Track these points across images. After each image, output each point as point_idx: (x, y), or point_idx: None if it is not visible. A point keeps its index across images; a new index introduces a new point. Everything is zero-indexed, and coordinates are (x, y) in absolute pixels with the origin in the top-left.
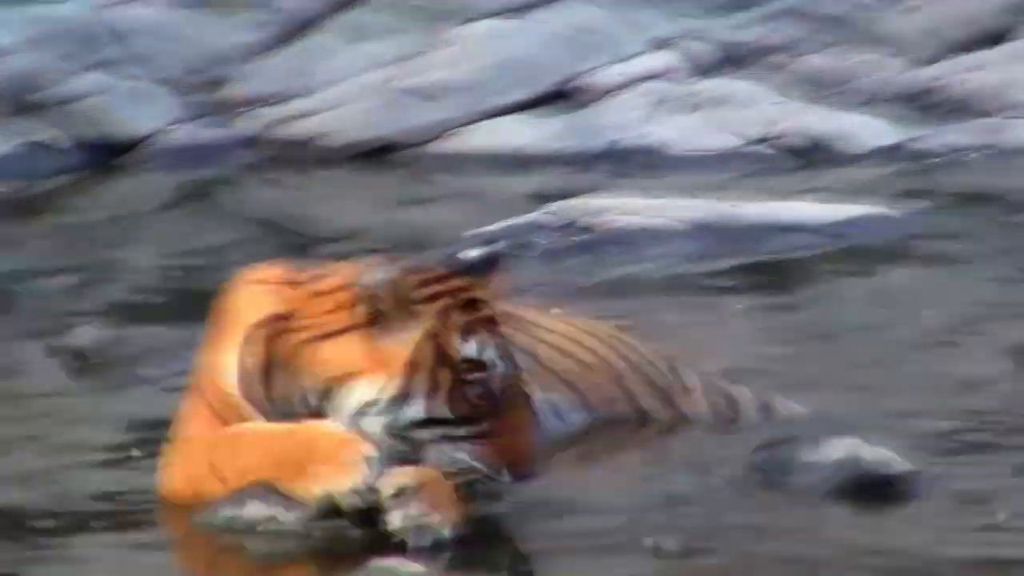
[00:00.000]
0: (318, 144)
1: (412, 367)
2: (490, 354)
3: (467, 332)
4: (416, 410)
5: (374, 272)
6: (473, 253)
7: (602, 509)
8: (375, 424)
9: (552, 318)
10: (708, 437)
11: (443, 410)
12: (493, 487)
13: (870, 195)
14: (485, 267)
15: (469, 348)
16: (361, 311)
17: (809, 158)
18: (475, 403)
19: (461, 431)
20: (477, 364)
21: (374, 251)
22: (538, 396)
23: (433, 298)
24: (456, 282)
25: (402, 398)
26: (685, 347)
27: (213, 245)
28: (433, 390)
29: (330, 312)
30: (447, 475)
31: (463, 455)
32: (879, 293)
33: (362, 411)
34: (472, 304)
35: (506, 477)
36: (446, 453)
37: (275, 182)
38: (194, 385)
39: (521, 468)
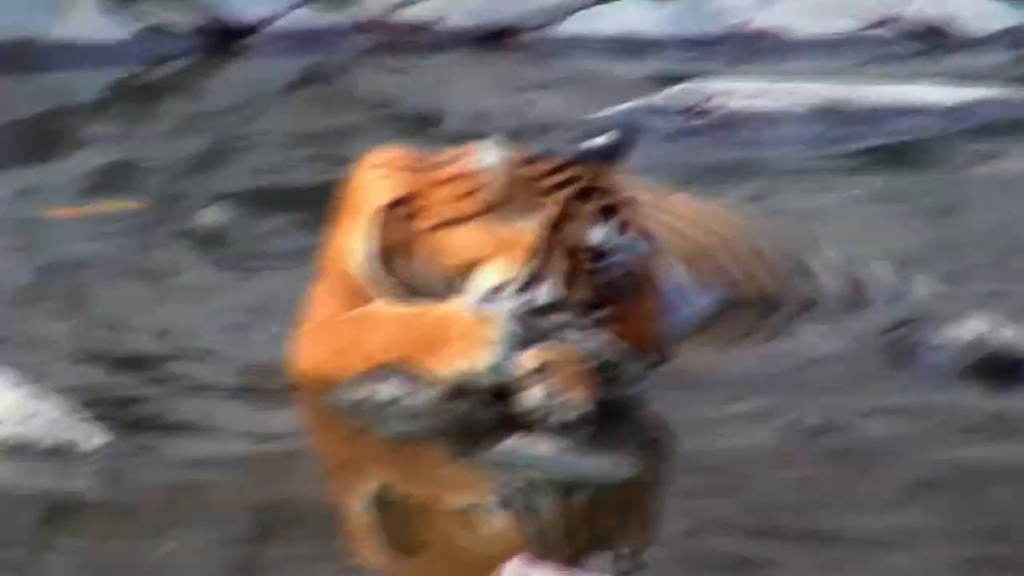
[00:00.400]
0: (435, 28)
1: (539, 253)
2: (617, 241)
3: (593, 220)
4: (545, 295)
5: (489, 157)
6: (597, 140)
7: (739, 388)
8: (508, 306)
9: (675, 202)
10: (836, 319)
11: (572, 296)
12: (632, 370)
13: (990, 79)
14: (609, 153)
15: (596, 236)
16: (482, 198)
17: (928, 42)
18: (603, 290)
19: (597, 315)
20: (604, 252)
21: (490, 136)
22: (676, 271)
23: (558, 187)
24: (581, 170)
25: (530, 283)
26: (809, 230)
27: (333, 130)
28: (568, 274)
29: (453, 200)
30: (586, 358)
31: (593, 342)
32: (1002, 175)
33: (495, 293)
34: (598, 191)
35: (637, 364)
36: (583, 336)
37: (393, 67)
38: (327, 266)
39: (651, 354)
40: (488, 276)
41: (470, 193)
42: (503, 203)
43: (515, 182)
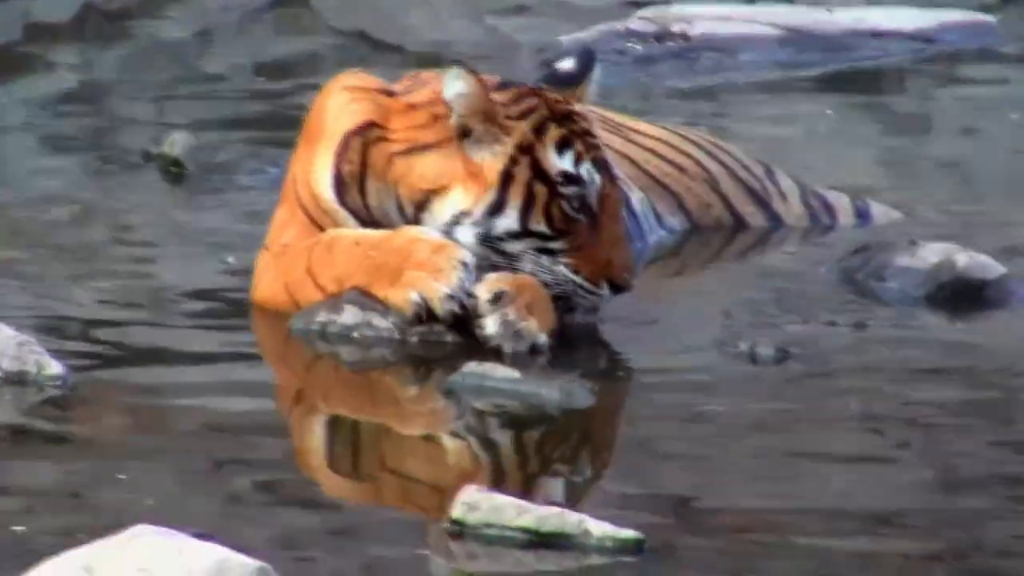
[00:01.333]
0: None
1: (506, 179)
2: (586, 168)
3: (562, 146)
4: (510, 221)
5: (454, 86)
6: (566, 64)
7: (697, 315)
8: (468, 234)
9: (637, 129)
10: (804, 242)
11: (539, 223)
12: (591, 299)
13: (965, 2)
14: (579, 76)
15: (565, 161)
16: (451, 124)
17: None
18: (571, 217)
19: (557, 244)
20: (573, 178)
21: (455, 64)
22: (636, 199)
23: (526, 112)
24: (551, 96)
25: (496, 209)
26: (771, 156)
27: (303, 53)
28: (528, 203)
29: (423, 125)
30: (544, 286)
31: (561, 268)
32: (965, 100)
33: (456, 220)
34: (568, 117)
35: (604, 289)
36: (543, 265)
37: None
38: (289, 192)
39: (619, 280)
40: (455, 201)
41: (435, 120)
42: (467, 132)
43: (479, 111)
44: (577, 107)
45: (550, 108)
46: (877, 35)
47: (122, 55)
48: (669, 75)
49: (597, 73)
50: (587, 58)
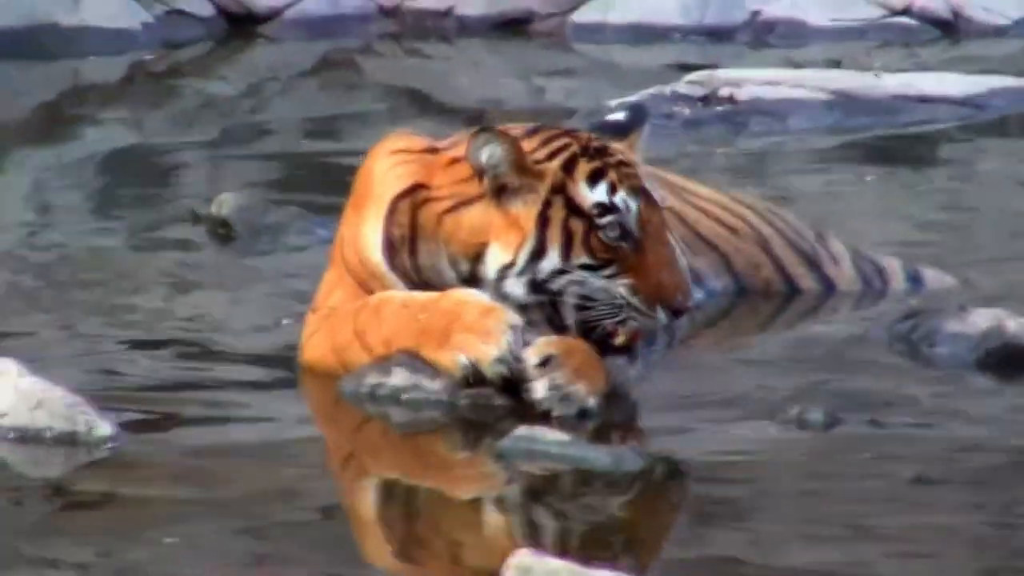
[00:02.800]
0: (458, 13)
1: (542, 221)
2: (621, 196)
3: (594, 178)
4: (552, 262)
5: (485, 150)
6: (610, 118)
7: (747, 378)
8: (517, 286)
9: (688, 191)
10: (855, 306)
11: (580, 256)
12: (647, 324)
13: (1013, 67)
14: (629, 126)
15: (598, 193)
16: (488, 187)
17: (951, 29)
18: (612, 245)
19: (604, 274)
20: (608, 207)
21: (483, 121)
22: (687, 260)
23: (556, 152)
24: (584, 135)
25: (538, 255)
26: (822, 220)
27: (354, 113)
28: (568, 240)
29: (467, 179)
30: (598, 328)
31: (618, 288)
32: (1014, 165)
33: (502, 275)
34: (601, 152)
35: (660, 314)
36: (598, 286)
37: (415, 52)
38: (337, 255)
39: (672, 302)
40: (497, 255)
41: (473, 176)
42: (503, 187)
43: (512, 168)
44: (620, 148)
45: (581, 145)
46: (925, 100)
47: (170, 115)
48: (717, 139)
49: (647, 128)
50: (639, 111)
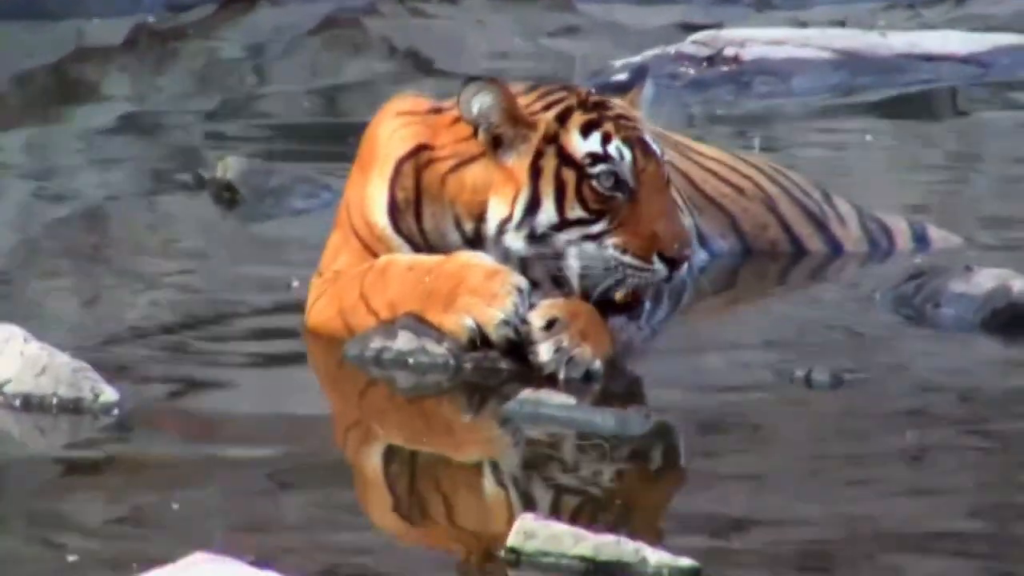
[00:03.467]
0: None
1: (535, 172)
2: (615, 146)
3: (588, 128)
4: (548, 214)
5: (478, 99)
6: (618, 77)
7: (753, 339)
8: (516, 240)
9: (693, 151)
10: (861, 267)
11: (575, 209)
12: (646, 277)
13: (1018, 25)
14: (630, 84)
15: (591, 143)
16: (483, 139)
17: None
18: (606, 195)
19: (599, 227)
20: (600, 157)
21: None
22: (693, 219)
23: (551, 104)
24: (583, 90)
25: (533, 206)
26: (826, 180)
27: (358, 74)
28: (560, 191)
29: (468, 137)
30: (602, 284)
31: (609, 251)
32: (1019, 123)
33: (501, 230)
34: (599, 105)
35: (657, 264)
36: (590, 254)
37: (419, 11)
38: (343, 218)
39: (669, 252)
40: (496, 211)
41: (473, 133)
42: (499, 140)
43: (507, 118)
44: (618, 102)
45: (579, 99)
46: (930, 59)
47: (174, 76)
48: (721, 99)
49: (649, 87)
50: (640, 71)
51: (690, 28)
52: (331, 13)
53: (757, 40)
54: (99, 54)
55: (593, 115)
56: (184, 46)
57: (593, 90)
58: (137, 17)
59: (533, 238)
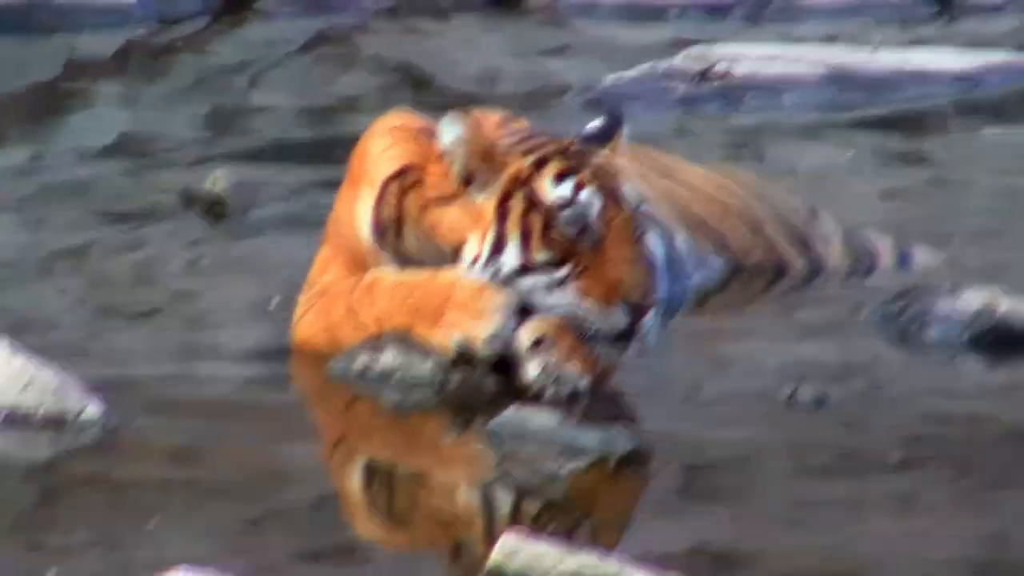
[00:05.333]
0: None
1: (502, 214)
2: (587, 193)
3: (562, 176)
4: (512, 256)
5: (452, 130)
6: (588, 127)
7: (736, 360)
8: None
9: (680, 169)
10: (845, 286)
11: (539, 252)
12: (608, 324)
13: (1008, 44)
14: (607, 133)
15: (562, 189)
16: (455, 172)
17: (948, 5)
18: (571, 240)
19: (562, 271)
20: (569, 202)
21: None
22: (679, 239)
23: (530, 149)
24: (564, 140)
25: (498, 246)
26: (814, 198)
27: (349, 90)
28: (526, 234)
29: (442, 176)
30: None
31: (570, 296)
32: (1007, 143)
33: (471, 267)
34: (579, 155)
35: (619, 312)
36: (554, 298)
37: (411, 28)
38: (331, 232)
39: (632, 298)
40: (467, 250)
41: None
42: (470, 178)
43: (478, 152)
44: (602, 153)
45: (559, 147)
46: (920, 76)
47: (165, 90)
48: (712, 115)
49: (626, 131)
50: (615, 117)
51: (681, 44)
52: (323, 29)
53: (748, 56)
54: (90, 67)
55: (571, 163)
56: (175, 60)
57: (576, 141)
58: (129, 30)
59: (497, 282)
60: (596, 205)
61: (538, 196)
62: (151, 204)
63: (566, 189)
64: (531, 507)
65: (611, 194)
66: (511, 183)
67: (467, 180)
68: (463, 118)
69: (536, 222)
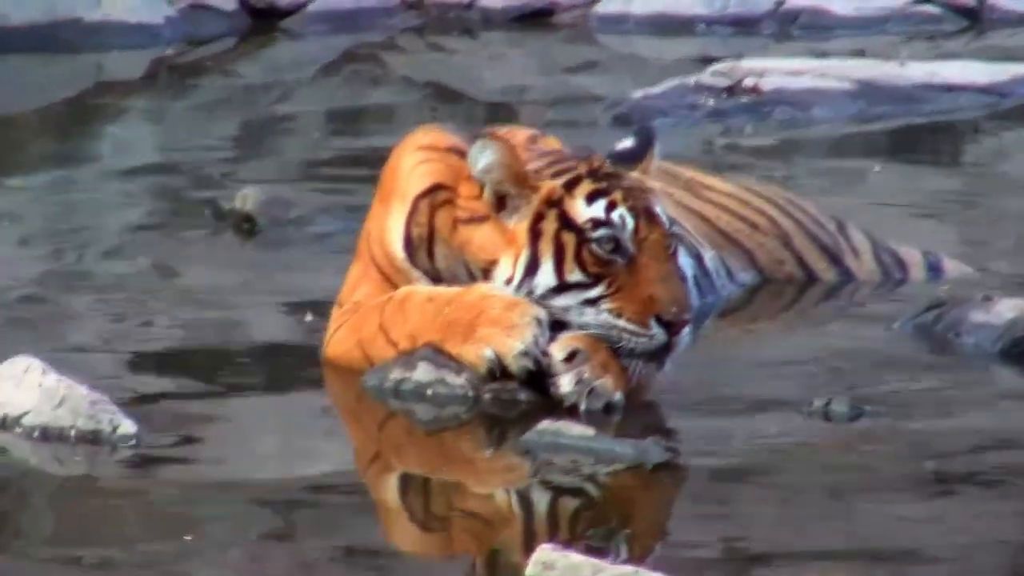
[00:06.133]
0: (481, 6)
1: (535, 235)
2: (620, 212)
3: (594, 196)
4: (547, 277)
5: (484, 156)
6: (626, 142)
7: (770, 371)
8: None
9: (708, 185)
10: (877, 298)
11: (573, 272)
12: (642, 342)
13: None
14: (640, 152)
15: (595, 209)
16: (487, 198)
17: (976, 18)
18: (605, 259)
19: (596, 291)
20: (602, 222)
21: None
22: (707, 256)
23: (561, 172)
24: (594, 160)
25: (532, 268)
26: (843, 211)
27: (377, 108)
28: (560, 254)
29: (478, 196)
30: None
31: (604, 316)
32: None
33: (503, 289)
34: (612, 176)
35: (653, 329)
36: (589, 317)
37: (438, 45)
38: (363, 249)
39: (666, 315)
40: (498, 276)
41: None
42: (503, 201)
43: (511, 176)
44: (633, 175)
45: (590, 167)
46: (949, 89)
47: (193, 109)
48: (741, 130)
49: (658, 149)
50: (647, 135)
51: (709, 59)
52: (350, 47)
53: (776, 70)
54: (118, 87)
55: (602, 184)
56: (203, 79)
57: (607, 162)
58: (156, 50)
59: (534, 299)
60: (629, 224)
61: (571, 216)
62: (181, 222)
63: (599, 209)
64: (566, 519)
65: (643, 213)
66: (543, 205)
67: (499, 205)
68: (493, 143)
69: (569, 242)
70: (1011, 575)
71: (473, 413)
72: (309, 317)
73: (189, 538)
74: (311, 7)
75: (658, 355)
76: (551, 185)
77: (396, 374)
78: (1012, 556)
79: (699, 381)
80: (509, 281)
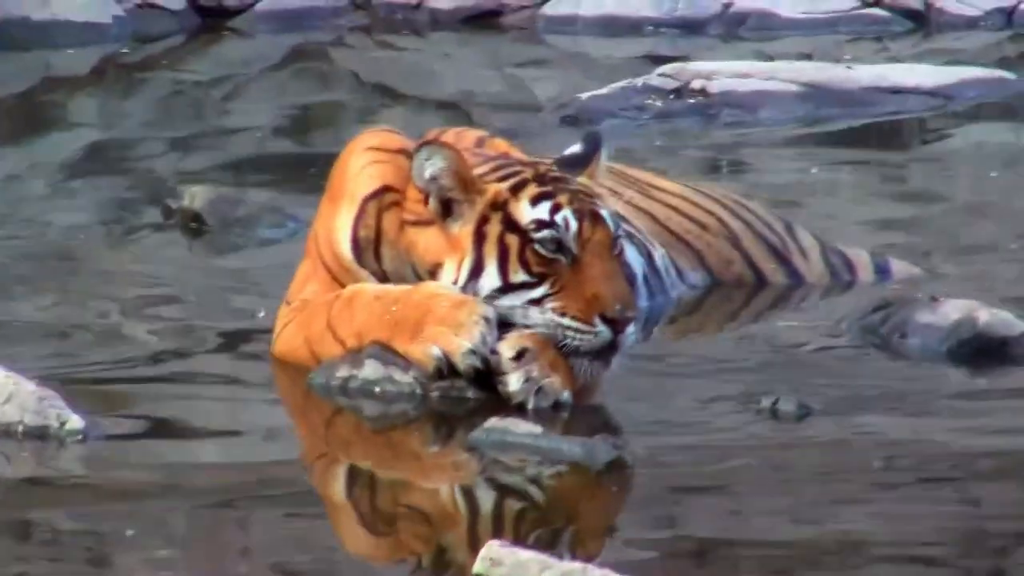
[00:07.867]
0: (429, 6)
1: (479, 238)
2: (563, 214)
3: (539, 199)
4: (491, 279)
5: (432, 163)
6: (568, 151)
7: (718, 370)
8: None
9: (657, 186)
10: (824, 299)
11: (517, 273)
12: (588, 340)
13: (985, 58)
14: (586, 157)
15: (538, 211)
16: (433, 207)
17: (923, 21)
18: (548, 258)
19: (541, 290)
20: (546, 223)
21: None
22: (657, 255)
23: (507, 176)
24: (541, 165)
25: (477, 270)
26: (791, 212)
27: (325, 106)
28: (503, 256)
29: (423, 200)
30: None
31: (548, 315)
32: (983, 156)
33: None
34: (558, 180)
35: (598, 327)
36: (534, 316)
37: (386, 44)
38: (311, 248)
39: (610, 312)
40: (444, 276)
41: (425, 200)
42: (448, 208)
43: (458, 182)
44: (580, 180)
45: (536, 172)
46: (896, 91)
47: (141, 107)
48: (688, 131)
49: (605, 154)
50: (594, 140)
51: (657, 60)
52: (298, 45)
53: (724, 72)
54: (66, 84)
55: (548, 188)
56: (152, 77)
57: (553, 167)
58: (105, 48)
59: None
60: (573, 226)
61: (515, 218)
62: (129, 219)
63: (543, 211)
64: (513, 516)
65: (588, 215)
66: (488, 208)
67: (445, 211)
68: (439, 151)
69: (513, 243)
70: (955, 568)
71: (421, 410)
72: (261, 313)
73: (131, 533)
74: (259, 6)
75: (604, 353)
76: (496, 188)
77: (343, 372)
78: (956, 549)
79: (647, 380)
80: (454, 283)
